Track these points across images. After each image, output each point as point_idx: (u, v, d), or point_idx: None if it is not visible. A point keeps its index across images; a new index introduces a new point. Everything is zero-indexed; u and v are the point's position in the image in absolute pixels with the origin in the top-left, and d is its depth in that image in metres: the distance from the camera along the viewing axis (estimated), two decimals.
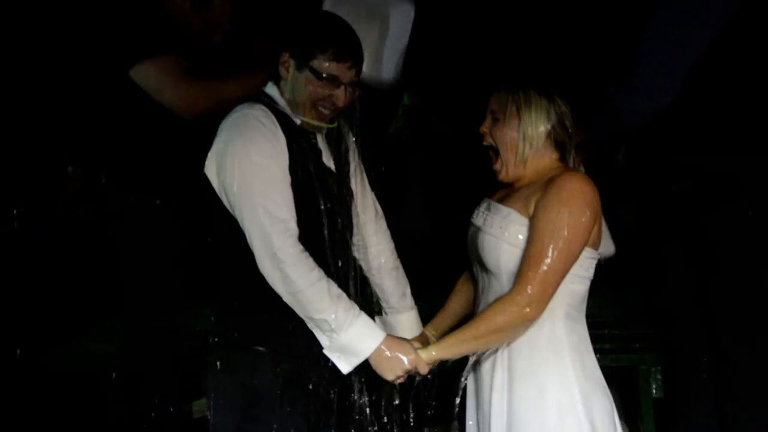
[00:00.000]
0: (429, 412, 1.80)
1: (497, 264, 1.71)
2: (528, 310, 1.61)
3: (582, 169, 1.83)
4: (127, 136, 2.30)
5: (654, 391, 2.49)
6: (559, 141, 1.77)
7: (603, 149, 2.35)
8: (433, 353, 1.69)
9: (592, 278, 1.76)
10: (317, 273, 1.68)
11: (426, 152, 3.89)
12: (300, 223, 1.71)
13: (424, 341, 1.91)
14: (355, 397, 1.83)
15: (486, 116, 1.80)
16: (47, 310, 3.83)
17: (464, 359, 1.78)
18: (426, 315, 2.06)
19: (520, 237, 1.67)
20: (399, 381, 1.70)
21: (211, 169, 1.73)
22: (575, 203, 1.62)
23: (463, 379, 1.80)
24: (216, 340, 1.82)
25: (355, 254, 1.98)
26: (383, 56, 2.04)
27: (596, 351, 1.79)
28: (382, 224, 2.05)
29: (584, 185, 1.65)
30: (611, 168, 2.68)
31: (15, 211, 4.29)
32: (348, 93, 1.76)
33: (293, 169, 1.72)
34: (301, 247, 1.68)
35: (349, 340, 1.66)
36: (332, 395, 1.82)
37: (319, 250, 1.75)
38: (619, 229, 2.07)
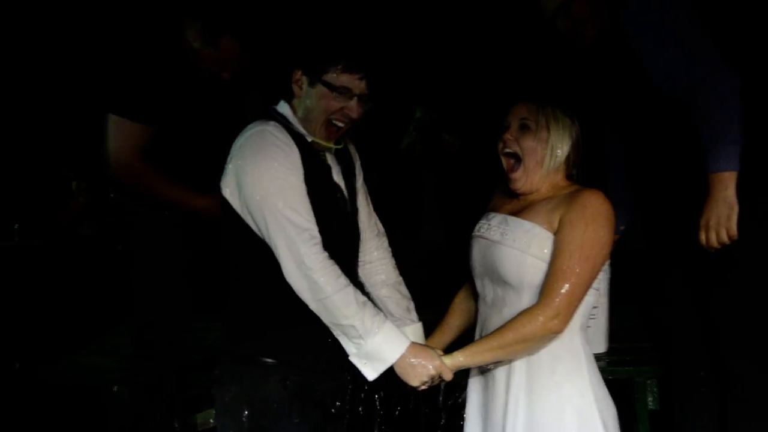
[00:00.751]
0: (434, 424, 1.82)
1: (519, 278, 1.74)
2: (555, 321, 1.66)
3: None
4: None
5: (650, 403, 2.51)
6: (572, 160, 1.83)
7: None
8: (460, 359, 1.72)
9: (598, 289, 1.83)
10: (344, 280, 1.70)
11: (439, 166, 3.92)
12: None
13: None
14: (362, 409, 1.85)
15: (509, 124, 1.83)
16: (47, 323, 3.82)
17: (465, 373, 1.80)
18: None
19: (546, 251, 1.72)
20: (423, 387, 1.72)
21: (229, 186, 1.75)
22: (600, 220, 1.69)
23: (466, 392, 1.83)
24: (224, 351, 1.84)
25: (359, 270, 2.01)
26: None
27: None
28: (384, 242, 2.09)
29: (606, 203, 1.72)
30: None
31: (16, 226, 4.29)
32: (360, 105, 1.80)
33: (307, 184, 1.75)
34: (326, 254, 1.70)
35: (376, 346, 1.68)
36: (340, 407, 1.84)
37: None
38: (618, 242, 2.09)
